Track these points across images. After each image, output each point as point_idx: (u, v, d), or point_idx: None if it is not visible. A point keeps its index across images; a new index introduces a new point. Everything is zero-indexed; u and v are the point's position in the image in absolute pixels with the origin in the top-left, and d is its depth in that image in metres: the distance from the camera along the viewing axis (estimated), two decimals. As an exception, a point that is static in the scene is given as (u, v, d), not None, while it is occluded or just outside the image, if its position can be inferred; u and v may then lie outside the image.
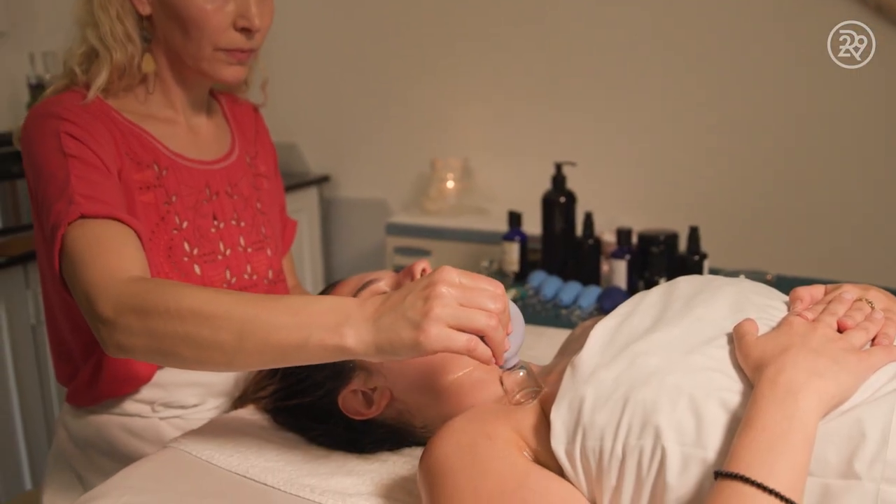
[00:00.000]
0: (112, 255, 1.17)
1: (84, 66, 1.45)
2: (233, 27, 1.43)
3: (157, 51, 1.48)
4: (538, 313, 2.19)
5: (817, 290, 1.10)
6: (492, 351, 0.98)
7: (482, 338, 0.97)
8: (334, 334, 0.98)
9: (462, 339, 0.95)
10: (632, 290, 2.22)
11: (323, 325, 0.99)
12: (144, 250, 1.25)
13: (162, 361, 1.11)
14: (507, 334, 1.02)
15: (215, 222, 1.53)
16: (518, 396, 1.09)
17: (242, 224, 1.58)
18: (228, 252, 1.54)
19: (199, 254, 1.49)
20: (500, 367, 1.05)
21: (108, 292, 1.10)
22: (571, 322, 2.10)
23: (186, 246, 1.48)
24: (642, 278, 2.25)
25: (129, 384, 1.47)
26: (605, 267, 2.37)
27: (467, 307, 0.96)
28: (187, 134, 1.55)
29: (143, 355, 1.09)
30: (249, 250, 1.58)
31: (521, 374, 1.08)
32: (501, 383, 1.10)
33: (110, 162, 1.35)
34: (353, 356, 0.99)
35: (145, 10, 1.44)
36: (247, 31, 1.44)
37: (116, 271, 1.14)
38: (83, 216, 1.22)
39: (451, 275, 0.98)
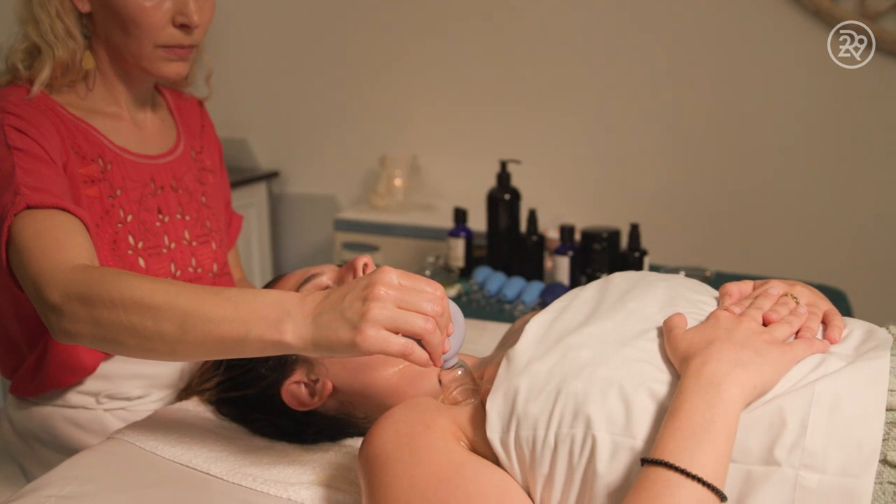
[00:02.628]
0: (59, 245, 1.17)
1: (26, 63, 1.45)
2: (172, 24, 1.44)
3: (98, 47, 1.49)
4: (482, 308, 2.21)
5: (746, 286, 1.14)
6: (429, 354, 0.98)
7: (419, 340, 0.97)
8: (274, 330, 0.98)
9: (398, 343, 0.95)
10: (574, 285, 2.25)
11: (263, 320, 0.99)
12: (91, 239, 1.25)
13: (108, 349, 1.12)
14: (448, 335, 1.03)
15: (160, 216, 1.54)
16: (455, 394, 1.10)
17: (187, 218, 1.59)
18: (173, 245, 1.55)
19: (143, 247, 1.50)
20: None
21: (56, 280, 1.11)
22: (514, 317, 2.13)
23: (131, 239, 1.48)
24: (584, 274, 2.28)
25: (74, 374, 1.47)
26: (548, 263, 2.41)
27: (405, 309, 0.96)
28: (132, 129, 1.56)
29: (90, 342, 1.10)
30: (194, 244, 1.59)
31: (459, 372, 1.09)
32: (440, 381, 1.10)
33: (55, 154, 1.35)
34: (292, 351, 0.99)
35: (85, 7, 1.44)
36: (186, 27, 1.45)
37: (64, 260, 1.14)
38: (29, 207, 1.22)
39: (391, 276, 0.98)
